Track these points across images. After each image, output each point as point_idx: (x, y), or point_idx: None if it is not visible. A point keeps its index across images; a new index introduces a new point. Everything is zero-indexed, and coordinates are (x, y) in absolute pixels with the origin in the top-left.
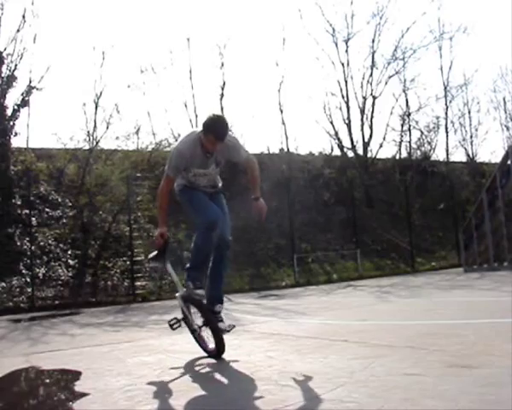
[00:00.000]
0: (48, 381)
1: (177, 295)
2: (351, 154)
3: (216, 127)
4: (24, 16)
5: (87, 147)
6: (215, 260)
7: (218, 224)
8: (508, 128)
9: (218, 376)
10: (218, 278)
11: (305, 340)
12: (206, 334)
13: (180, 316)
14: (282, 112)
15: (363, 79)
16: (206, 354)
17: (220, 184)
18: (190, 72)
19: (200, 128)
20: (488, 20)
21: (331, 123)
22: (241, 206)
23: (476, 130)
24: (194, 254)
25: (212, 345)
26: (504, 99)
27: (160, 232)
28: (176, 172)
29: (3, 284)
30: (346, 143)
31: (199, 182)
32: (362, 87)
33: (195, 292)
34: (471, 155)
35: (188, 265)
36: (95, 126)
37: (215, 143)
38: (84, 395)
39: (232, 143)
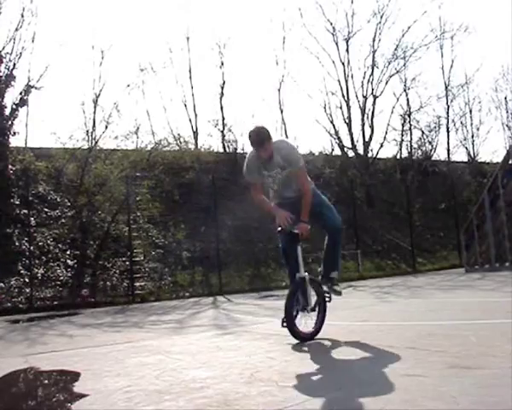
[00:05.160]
0: (46, 382)
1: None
2: (351, 153)
3: (252, 138)
4: (23, 15)
5: (86, 146)
6: (328, 244)
7: (288, 250)
8: (509, 128)
9: (218, 377)
10: (330, 256)
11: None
12: (305, 321)
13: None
14: (282, 111)
15: (364, 78)
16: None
17: (312, 185)
18: (190, 71)
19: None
20: (490, 18)
21: (331, 122)
22: (240, 206)
23: (477, 129)
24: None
25: (309, 329)
26: (506, 98)
27: (278, 218)
28: (249, 175)
29: (2, 285)
30: (347, 142)
31: (275, 188)
32: (362, 86)
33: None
34: (472, 155)
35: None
36: (94, 126)
37: (259, 150)
38: (83, 396)
39: (285, 148)
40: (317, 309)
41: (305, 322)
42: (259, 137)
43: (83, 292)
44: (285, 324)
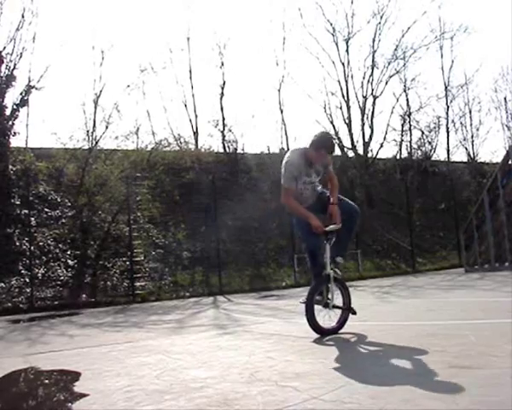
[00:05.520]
0: (47, 382)
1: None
2: (351, 154)
3: (329, 143)
4: (23, 15)
5: (86, 147)
6: (343, 228)
7: (317, 251)
8: (509, 128)
9: (218, 377)
10: (342, 241)
11: (305, 340)
12: (329, 316)
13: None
14: (282, 111)
15: (364, 78)
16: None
17: (319, 188)
18: (190, 71)
19: (302, 145)
20: (490, 18)
21: (331, 123)
22: (240, 206)
23: (477, 130)
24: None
25: (332, 324)
26: (505, 99)
27: (314, 224)
28: (291, 181)
29: (2, 285)
30: (347, 142)
31: (306, 193)
32: (362, 87)
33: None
34: (472, 155)
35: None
36: (94, 126)
37: (325, 156)
38: (83, 395)
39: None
40: (340, 306)
41: (327, 318)
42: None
43: (81, 298)
44: (305, 307)
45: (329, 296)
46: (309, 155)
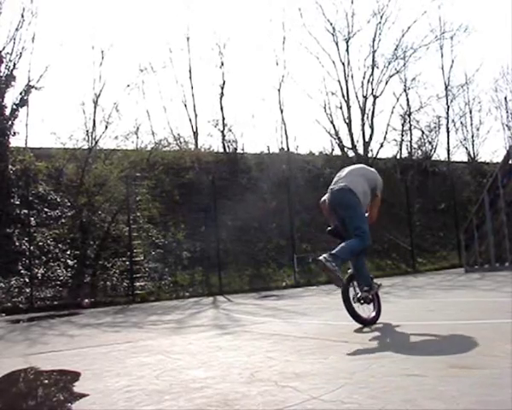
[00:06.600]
0: (47, 382)
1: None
2: (351, 153)
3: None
4: (23, 15)
5: (86, 146)
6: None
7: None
8: (509, 128)
9: (217, 377)
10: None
11: (305, 340)
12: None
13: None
14: (282, 111)
15: (364, 78)
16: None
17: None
18: (190, 71)
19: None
20: (490, 18)
21: (331, 122)
22: (240, 206)
23: (477, 129)
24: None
25: (372, 314)
26: (506, 98)
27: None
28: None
29: (2, 285)
30: (347, 142)
31: None
32: (362, 86)
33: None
34: (472, 155)
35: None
36: (94, 126)
37: None
38: (83, 395)
39: None
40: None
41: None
42: None
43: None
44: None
45: (356, 291)
46: None
